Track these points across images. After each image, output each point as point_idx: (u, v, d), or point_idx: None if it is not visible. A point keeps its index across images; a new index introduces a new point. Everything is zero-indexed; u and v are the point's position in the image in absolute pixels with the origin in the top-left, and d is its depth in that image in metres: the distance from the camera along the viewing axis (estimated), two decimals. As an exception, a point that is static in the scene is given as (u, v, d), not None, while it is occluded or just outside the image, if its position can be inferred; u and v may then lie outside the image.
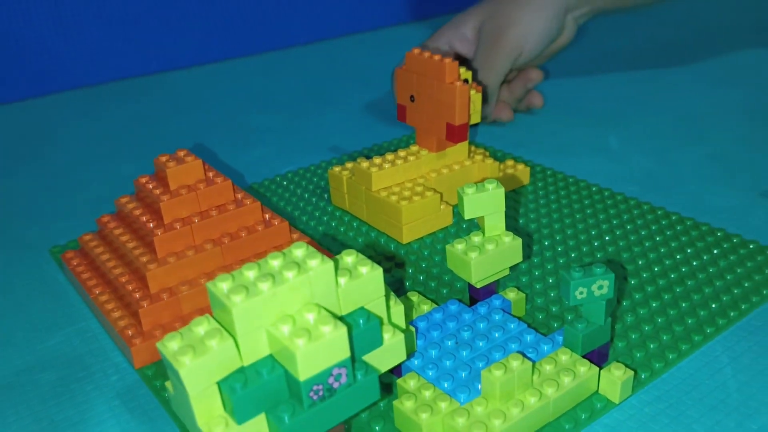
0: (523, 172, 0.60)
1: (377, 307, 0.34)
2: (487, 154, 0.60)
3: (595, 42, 1.00)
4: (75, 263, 0.49)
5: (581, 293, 0.38)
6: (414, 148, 0.57)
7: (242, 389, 0.30)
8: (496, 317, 0.42)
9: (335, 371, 0.31)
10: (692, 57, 0.93)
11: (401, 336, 0.34)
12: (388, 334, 0.34)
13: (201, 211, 0.46)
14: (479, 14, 0.70)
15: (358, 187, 0.55)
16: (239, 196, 0.48)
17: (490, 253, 0.41)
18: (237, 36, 0.99)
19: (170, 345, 0.30)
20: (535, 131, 0.72)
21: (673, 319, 0.44)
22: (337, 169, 0.58)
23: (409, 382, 0.38)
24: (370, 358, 0.34)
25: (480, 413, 0.35)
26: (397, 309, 0.37)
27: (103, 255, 0.47)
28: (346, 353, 0.31)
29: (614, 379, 0.38)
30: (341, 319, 0.33)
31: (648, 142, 0.69)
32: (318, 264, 0.31)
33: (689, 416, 0.38)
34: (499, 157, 0.66)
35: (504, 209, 0.42)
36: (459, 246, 0.41)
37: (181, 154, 0.47)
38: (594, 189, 0.59)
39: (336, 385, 0.31)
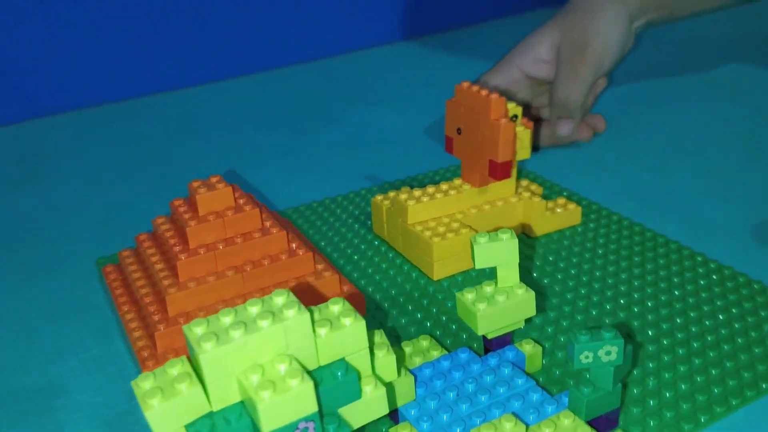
0: (574, 212, 0.58)
1: (359, 359, 0.34)
2: (537, 190, 0.59)
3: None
4: (112, 278, 0.51)
5: (587, 357, 0.36)
6: (457, 181, 0.56)
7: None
8: (505, 371, 0.41)
9: (301, 425, 0.30)
10: (687, 72, 0.92)
11: (383, 390, 0.34)
12: (369, 387, 0.34)
13: (226, 238, 0.47)
14: (553, 32, 0.68)
15: (396, 218, 0.55)
16: (268, 224, 0.48)
17: (499, 305, 0.40)
18: (233, 56, 0.99)
19: (143, 385, 0.31)
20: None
21: (699, 387, 0.41)
22: (379, 197, 0.57)
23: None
24: (348, 410, 0.33)
25: (462, 474, 0.35)
26: (389, 359, 0.36)
27: (135, 273, 0.49)
28: (312, 408, 0.30)
29: (611, 450, 0.36)
30: (319, 369, 0.33)
31: (645, 156, 0.70)
32: (294, 314, 0.31)
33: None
34: (555, 191, 0.63)
35: (518, 260, 0.40)
36: (469, 295, 0.40)
37: (214, 180, 0.48)
38: (637, 229, 0.56)
39: (302, 438, 0.31)
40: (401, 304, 0.50)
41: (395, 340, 0.46)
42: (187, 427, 0.30)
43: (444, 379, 0.41)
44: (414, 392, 0.39)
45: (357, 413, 0.34)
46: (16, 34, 0.85)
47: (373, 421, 0.36)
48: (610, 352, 0.36)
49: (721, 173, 0.66)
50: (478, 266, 0.40)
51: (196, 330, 0.31)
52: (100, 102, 0.92)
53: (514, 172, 0.55)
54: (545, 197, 0.62)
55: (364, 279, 0.53)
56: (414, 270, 0.53)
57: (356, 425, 0.34)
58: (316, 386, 0.32)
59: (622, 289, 0.50)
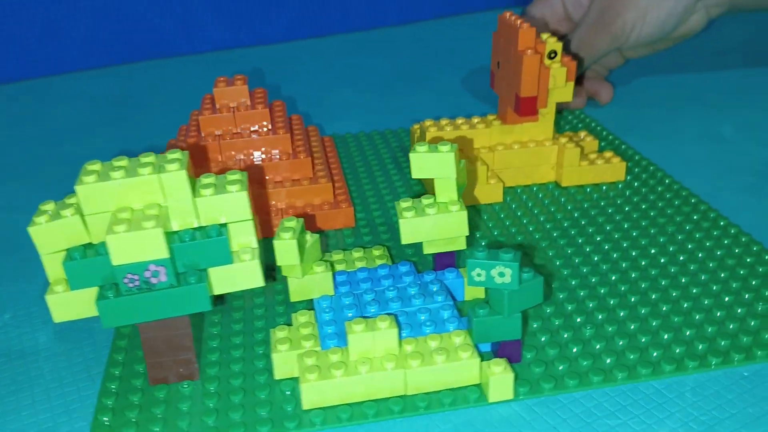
0: (616, 167, 0.54)
1: (243, 229, 0.35)
2: (590, 144, 0.55)
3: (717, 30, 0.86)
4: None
5: (479, 275, 0.35)
6: (490, 117, 0.55)
7: (77, 258, 0.34)
8: (433, 288, 0.40)
9: (152, 267, 0.33)
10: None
11: (257, 262, 0.35)
12: (247, 256, 0.35)
13: (236, 132, 0.50)
14: None
15: (421, 145, 0.55)
16: (279, 125, 0.51)
17: (426, 217, 0.39)
18: (328, 14, 0.99)
19: (42, 208, 0.35)
20: (643, 115, 0.67)
21: (637, 345, 0.37)
22: (416, 126, 0.57)
23: (299, 318, 0.38)
24: (221, 272, 0.35)
25: (329, 361, 0.35)
26: (290, 243, 0.37)
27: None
28: (162, 253, 0.33)
29: (488, 373, 0.34)
30: (198, 228, 0.35)
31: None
32: (174, 168, 0.34)
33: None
34: (604, 144, 0.59)
35: (455, 175, 0.39)
36: (403, 204, 0.40)
37: (237, 77, 0.52)
38: (684, 194, 0.51)
39: (154, 281, 0.33)
40: (393, 224, 0.50)
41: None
42: (66, 249, 0.34)
43: (371, 282, 0.41)
44: (332, 287, 0.40)
45: (228, 278, 0.35)
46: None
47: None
48: (504, 273, 0.35)
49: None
50: (413, 175, 0.40)
51: (90, 167, 0.34)
52: (194, 52, 0.95)
53: (549, 113, 0.53)
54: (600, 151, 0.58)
55: (373, 199, 0.54)
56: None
57: (226, 289, 0.35)
58: (187, 238, 0.34)
59: (633, 253, 0.46)
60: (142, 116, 0.75)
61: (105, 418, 0.34)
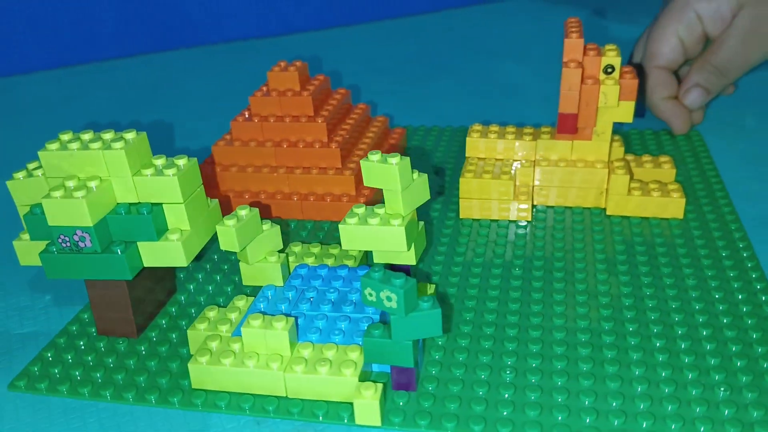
0: (674, 204, 0.47)
1: (175, 211, 0.38)
2: (666, 173, 0.50)
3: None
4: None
5: (370, 295, 0.34)
6: (543, 129, 0.51)
7: (37, 214, 0.39)
8: (373, 297, 0.39)
9: (79, 233, 0.37)
10: None
11: (179, 244, 0.38)
12: (175, 235, 0.38)
13: (278, 115, 0.53)
14: None
15: (469, 148, 0.53)
16: (324, 113, 0.52)
17: (366, 227, 0.38)
18: (353, 2, 0.94)
19: (28, 166, 0.40)
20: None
21: (543, 403, 0.34)
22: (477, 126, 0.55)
23: (236, 303, 0.40)
24: (149, 247, 0.38)
25: (226, 348, 0.37)
26: (229, 230, 0.39)
27: (234, 129, 0.58)
28: (87, 222, 0.36)
29: (357, 396, 0.34)
30: (135, 204, 0.38)
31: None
32: (118, 146, 0.37)
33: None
34: (695, 174, 0.52)
35: (400, 189, 0.38)
36: (356, 210, 0.40)
37: (295, 62, 0.54)
38: (741, 245, 0.43)
39: (81, 245, 0.37)
40: (410, 225, 0.49)
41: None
42: (31, 205, 0.39)
43: (322, 281, 0.41)
44: (281, 279, 0.42)
45: (155, 253, 0.38)
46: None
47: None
48: (390, 298, 0.33)
49: None
50: (365, 183, 0.39)
51: (61, 136, 0.39)
52: (224, 40, 0.95)
53: (605, 133, 0.48)
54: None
55: (410, 196, 0.53)
56: (456, 205, 0.52)
57: (153, 263, 0.38)
58: (121, 211, 0.37)
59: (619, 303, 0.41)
60: (174, 104, 0.76)
61: (48, 354, 0.39)
